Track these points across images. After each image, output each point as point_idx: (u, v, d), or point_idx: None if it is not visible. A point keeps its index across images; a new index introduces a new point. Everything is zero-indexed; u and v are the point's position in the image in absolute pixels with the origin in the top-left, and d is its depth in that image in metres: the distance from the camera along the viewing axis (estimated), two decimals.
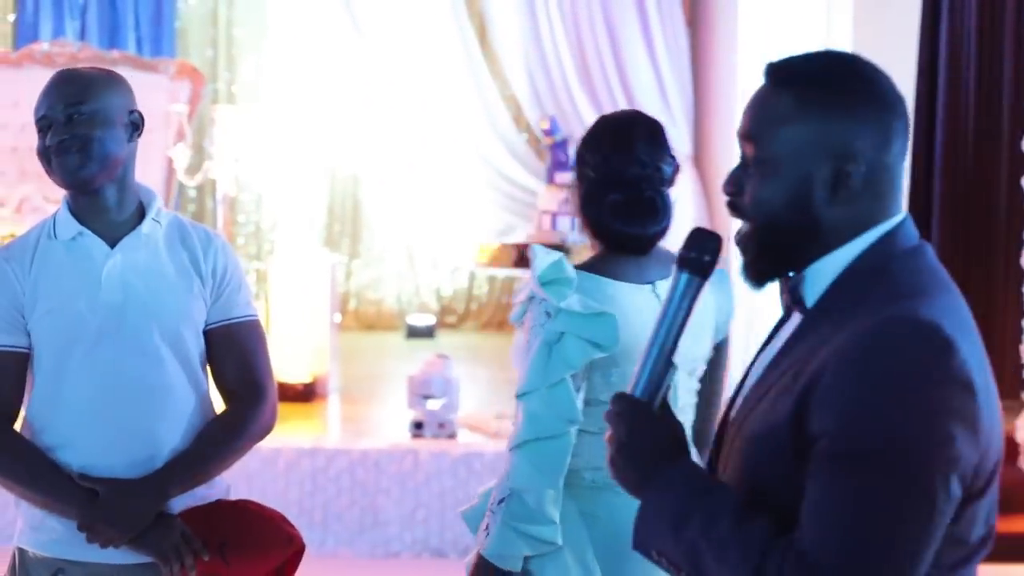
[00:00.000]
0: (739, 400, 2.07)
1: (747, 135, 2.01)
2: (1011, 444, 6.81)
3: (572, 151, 8.95)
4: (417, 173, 10.62)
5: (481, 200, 10.54)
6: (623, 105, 10.99)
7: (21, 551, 3.08)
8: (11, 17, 11.70)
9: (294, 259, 8.83)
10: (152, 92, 8.77)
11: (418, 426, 7.13)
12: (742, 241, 2.03)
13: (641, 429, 1.99)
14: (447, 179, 10.60)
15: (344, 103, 10.59)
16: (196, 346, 3.10)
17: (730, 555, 1.85)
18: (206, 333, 3.12)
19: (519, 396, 3.00)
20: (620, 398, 2.00)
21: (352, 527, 6.85)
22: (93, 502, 2.94)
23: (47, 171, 3.01)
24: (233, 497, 3.20)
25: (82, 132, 2.96)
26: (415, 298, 12.43)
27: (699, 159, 11.19)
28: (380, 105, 10.59)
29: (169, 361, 3.04)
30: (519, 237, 9.42)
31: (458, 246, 10.25)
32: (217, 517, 3.05)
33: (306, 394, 8.17)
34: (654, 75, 10.83)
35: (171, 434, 3.03)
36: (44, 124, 2.98)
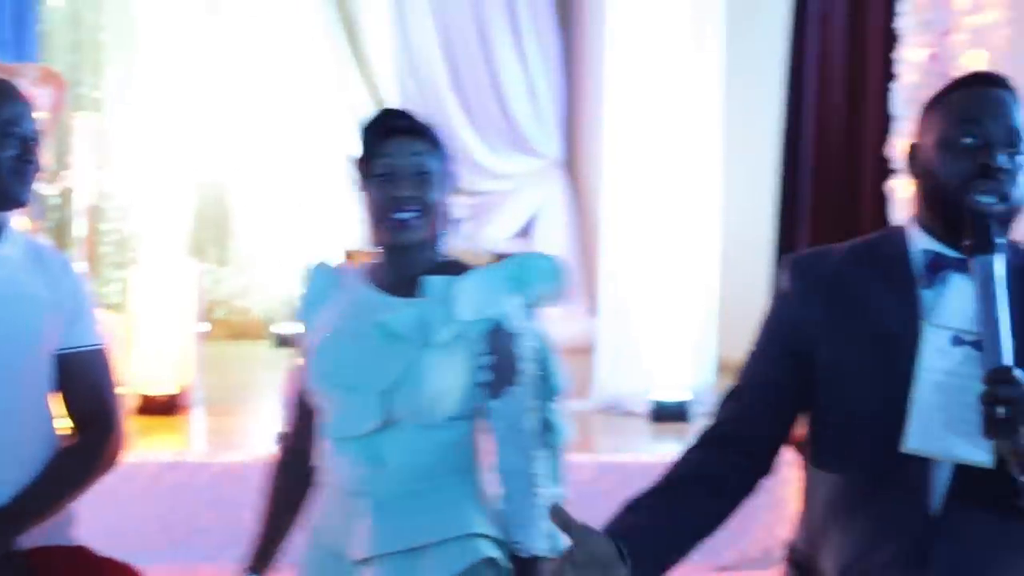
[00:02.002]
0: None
1: (1019, 130, 2.34)
2: None
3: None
4: (285, 179, 10.51)
5: (350, 207, 10.44)
6: (494, 109, 10.98)
7: None
8: None
9: (158, 268, 8.67)
10: None
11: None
12: (1002, 218, 2.31)
13: None
14: (315, 185, 10.50)
15: (211, 109, 10.45)
16: (47, 372, 3.01)
17: None
18: (56, 360, 3.03)
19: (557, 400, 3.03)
20: (1009, 370, 2.17)
21: (216, 542, 6.72)
22: None
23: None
24: (80, 520, 3.13)
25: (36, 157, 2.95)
26: (283, 307, 12.30)
27: (571, 164, 11.20)
28: (248, 111, 10.46)
29: (18, 386, 2.95)
30: None
31: (326, 253, 10.16)
32: (62, 562, 2.98)
33: (170, 406, 8.01)
34: (525, 79, 10.82)
35: (16, 461, 2.93)
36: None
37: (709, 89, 8.22)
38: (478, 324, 2.92)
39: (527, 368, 2.94)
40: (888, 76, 7.71)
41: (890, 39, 7.76)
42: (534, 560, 2.92)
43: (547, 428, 2.98)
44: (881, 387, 2.34)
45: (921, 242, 2.42)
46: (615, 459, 6.95)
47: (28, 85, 8.92)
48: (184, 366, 8.24)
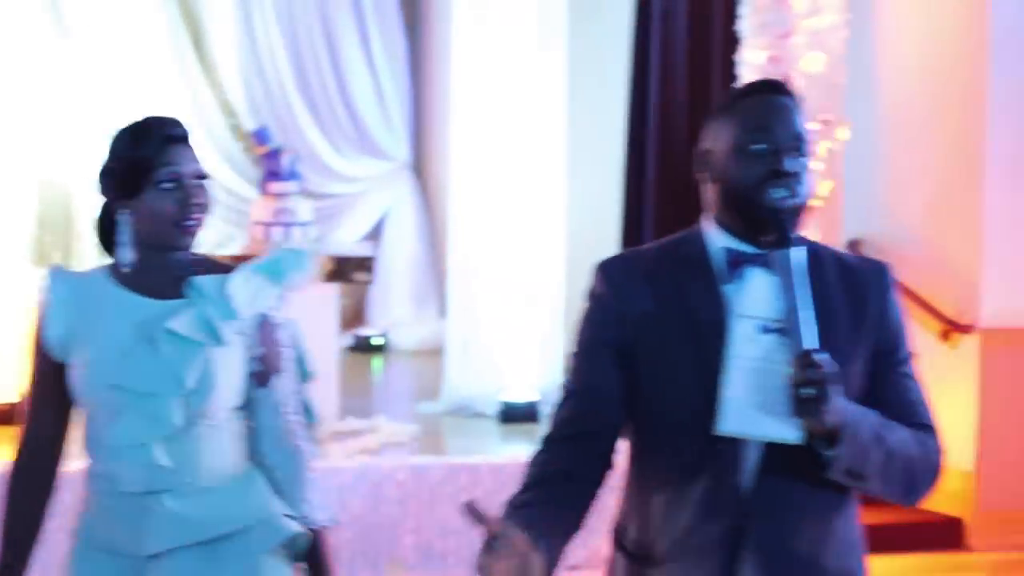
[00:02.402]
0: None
1: (802, 135, 2.54)
2: None
3: (286, 160, 8.87)
4: None
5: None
6: (341, 112, 10.92)
7: None
8: None
9: None
10: None
11: None
12: (795, 215, 2.51)
13: (836, 374, 2.40)
14: None
15: (54, 111, 10.24)
16: None
17: (914, 446, 2.53)
18: None
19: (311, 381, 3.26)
20: (813, 353, 2.38)
21: (58, 552, 6.58)
22: None
23: None
24: None
25: None
26: None
27: (419, 166, 11.18)
28: (91, 113, 10.27)
29: None
30: (235, 248, 9.26)
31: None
32: None
33: (10, 415, 7.81)
34: (372, 81, 10.78)
35: None
36: None
37: (553, 89, 8.25)
38: (250, 318, 3.05)
39: (288, 355, 3.13)
40: (730, 77, 7.81)
41: (732, 40, 7.86)
42: (320, 531, 3.14)
43: (304, 410, 3.19)
44: (697, 376, 2.50)
45: (719, 240, 2.58)
46: (465, 460, 6.94)
47: None
48: (24, 374, 8.05)
